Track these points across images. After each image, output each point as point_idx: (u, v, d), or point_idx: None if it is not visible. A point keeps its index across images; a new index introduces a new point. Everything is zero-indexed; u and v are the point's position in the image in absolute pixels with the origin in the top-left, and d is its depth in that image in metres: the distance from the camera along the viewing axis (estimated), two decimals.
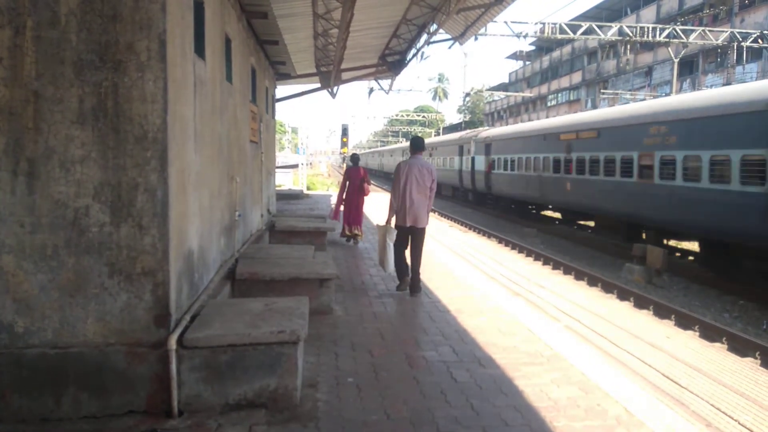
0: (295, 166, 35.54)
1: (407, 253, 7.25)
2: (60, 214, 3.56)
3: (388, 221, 7.27)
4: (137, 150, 3.60)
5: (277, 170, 24.68)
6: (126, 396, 3.66)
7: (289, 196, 22.94)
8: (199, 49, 4.81)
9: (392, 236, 7.23)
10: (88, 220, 3.59)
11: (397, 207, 7.08)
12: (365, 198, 11.76)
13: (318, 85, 15.82)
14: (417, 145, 7.33)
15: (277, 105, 14.76)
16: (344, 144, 32.98)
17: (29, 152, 3.51)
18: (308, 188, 33.61)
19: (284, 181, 31.16)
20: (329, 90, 16.16)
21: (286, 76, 14.22)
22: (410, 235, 7.14)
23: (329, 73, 13.57)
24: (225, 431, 3.53)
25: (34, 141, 3.51)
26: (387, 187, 39.01)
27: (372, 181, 13.15)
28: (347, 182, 11.68)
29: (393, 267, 7.30)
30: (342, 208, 11.71)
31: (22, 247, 3.54)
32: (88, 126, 3.55)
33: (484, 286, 8.07)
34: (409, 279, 7.18)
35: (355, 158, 12.60)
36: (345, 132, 32.81)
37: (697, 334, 8.41)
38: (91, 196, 3.58)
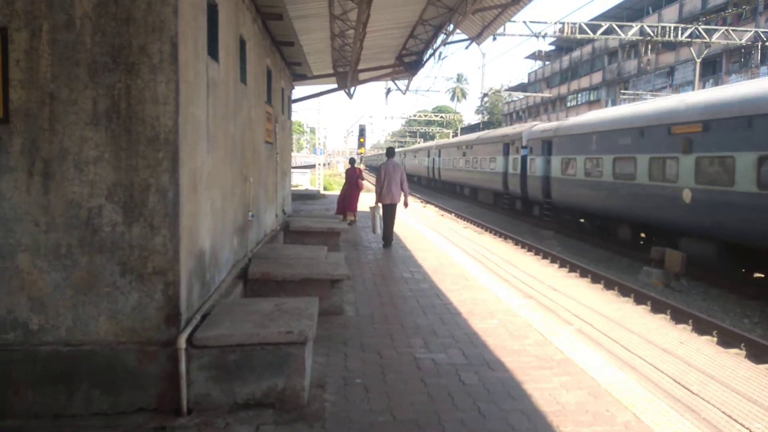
0: (312, 166, 35.79)
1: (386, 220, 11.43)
2: (74, 213, 3.63)
3: (377, 203, 11.41)
4: (149, 151, 3.66)
5: (294, 170, 24.86)
6: (136, 394, 3.73)
7: (305, 197, 23.06)
8: (213, 51, 4.86)
9: (379, 212, 11.42)
10: (101, 220, 3.66)
11: (380, 191, 11.17)
12: (360, 192, 15.52)
13: (335, 85, 15.88)
14: (390, 153, 11.86)
15: (296, 105, 14.98)
16: (361, 144, 33.20)
17: (44, 153, 3.59)
18: (325, 188, 33.74)
19: (301, 181, 31.36)
20: (346, 90, 16.21)
21: (302, 77, 14.29)
22: (388, 208, 11.20)
23: (346, 74, 13.61)
24: (233, 430, 3.57)
25: (50, 142, 3.59)
26: None
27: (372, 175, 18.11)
28: (346, 179, 15.40)
29: (380, 231, 11.44)
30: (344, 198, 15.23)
31: (36, 246, 3.62)
32: (102, 127, 3.62)
33: (496, 288, 8.04)
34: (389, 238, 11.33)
35: (352, 161, 16.81)
36: (362, 132, 33.07)
37: (714, 339, 8.27)
38: (104, 197, 3.65)
